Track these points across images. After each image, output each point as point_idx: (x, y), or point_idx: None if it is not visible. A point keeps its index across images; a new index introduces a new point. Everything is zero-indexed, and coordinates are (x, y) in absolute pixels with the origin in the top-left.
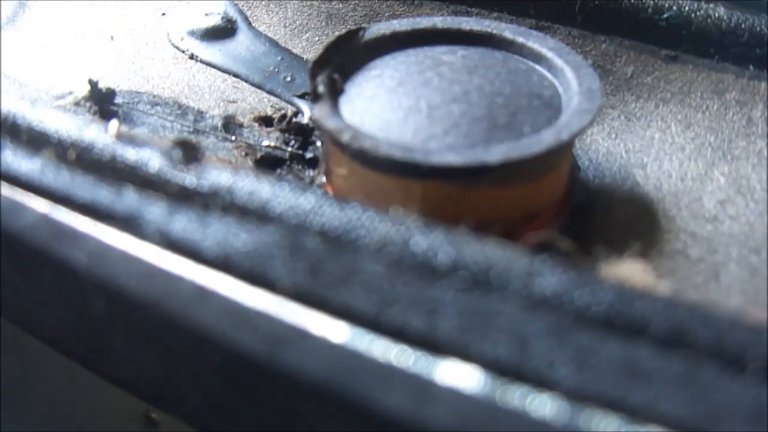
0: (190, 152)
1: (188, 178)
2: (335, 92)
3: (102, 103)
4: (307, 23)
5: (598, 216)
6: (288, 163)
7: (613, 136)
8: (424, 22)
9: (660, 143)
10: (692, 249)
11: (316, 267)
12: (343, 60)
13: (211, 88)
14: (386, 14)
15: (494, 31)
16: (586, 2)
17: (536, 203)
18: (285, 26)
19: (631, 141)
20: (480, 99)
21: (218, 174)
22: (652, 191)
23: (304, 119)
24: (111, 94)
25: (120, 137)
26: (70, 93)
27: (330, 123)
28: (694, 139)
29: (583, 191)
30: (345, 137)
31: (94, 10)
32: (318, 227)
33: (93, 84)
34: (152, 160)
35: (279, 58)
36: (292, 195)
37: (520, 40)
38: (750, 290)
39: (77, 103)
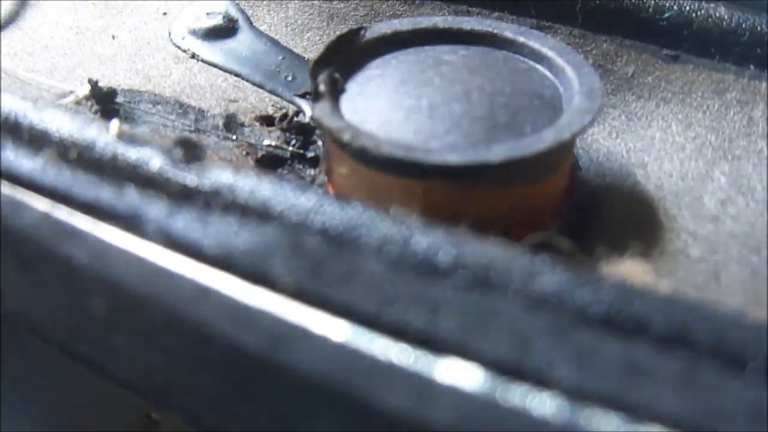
0: (191, 151)
1: (189, 177)
2: (336, 92)
3: (103, 102)
4: (308, 23)
5: (598, 215)
6: (289, 162)
7: (614, 135)
8: (425, 21)
9: (661, 143)
10: (693, 248)
11: (316, 266)
12: (345, 59)
13: (213, 88)
14: (387, 14)
15: (495, 31)
16: (587, 2)
17: (537, 202)
18: (286, 26)
19: (631, 140)
20: (481, 98)
21: (219, 173)
22: (653, 191)
23: (306, 119)
24: (112, 93)
25: (121, 136)
26: (71, 92)
27: (331, 122)
28: (695, 138)
29: (584, 191)
30: (346, 136)
31: (96, 9)
32: (319, 226)
33: (93, 83)
34: (153, 159)
35: (280, 57)
36: (292, 194)
37: (521, 39)
38: (750, 290)
39: (78, 103)
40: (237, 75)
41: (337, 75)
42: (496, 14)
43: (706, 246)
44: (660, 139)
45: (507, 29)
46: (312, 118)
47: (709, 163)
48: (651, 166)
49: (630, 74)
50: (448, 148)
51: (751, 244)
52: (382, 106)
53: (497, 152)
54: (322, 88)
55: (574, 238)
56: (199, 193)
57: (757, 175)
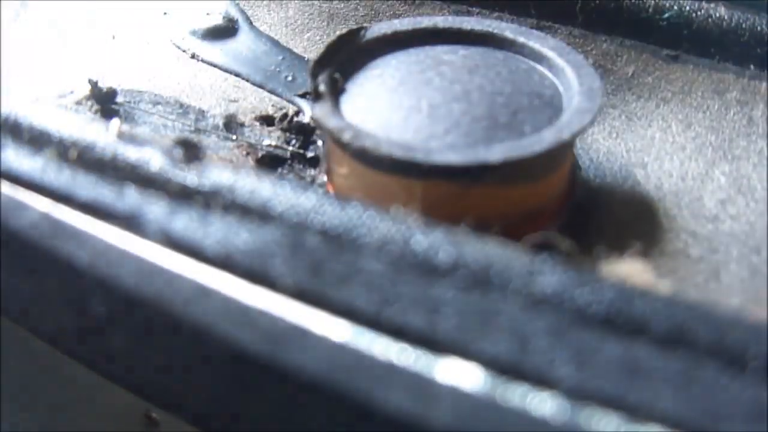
0: (191, 151)
1: (189, 177)
2: (336, 91)
3: (103, 102)
4: (308, 23)
5: (598, 215)
6: (289, 162)
7: (614, 135)
8: (425, 21)
9: (661, 143)
10: (693, 248)
11: (316, 266)
12: (345, 59)
13: (213, 88)
14: (387, 14)
15: (495, 31)
16: (587, 2)
17: (537, 202)
18: (286, 26)
19: (631, 140)
20: (481, 98)
21: (219, 173)
22: (652, 190)
23: (305, 119)
24: (112, 93)
25: (121, 136)
26: (71, 92)
27: (331, 122)
28: (695, 138)
29: (584, 190)
30: (346, 136)
31: (96, 9)
32: (319, 226)
33: (93, 84)
34: (153, 159)
35: (280, 57)
36: (293, 194)
37: (521, 39)
38: (750, 289)
39: (78, 102)
40: (237, 75)
41: (337, 75)
42: (496, 14)
43: (706, 246)
44: (660, 139)
45: (507, 29)
46: (312, 118)
47: (709, 163)
48: (651, 165)
49: (630, 74)
50: (447, 148)
51: (751, 244)
52: (382, 106)
53: (497, 152)
54: (322, 88)
55: (575, 238)
56: (199, 193)
57: (757, 174)
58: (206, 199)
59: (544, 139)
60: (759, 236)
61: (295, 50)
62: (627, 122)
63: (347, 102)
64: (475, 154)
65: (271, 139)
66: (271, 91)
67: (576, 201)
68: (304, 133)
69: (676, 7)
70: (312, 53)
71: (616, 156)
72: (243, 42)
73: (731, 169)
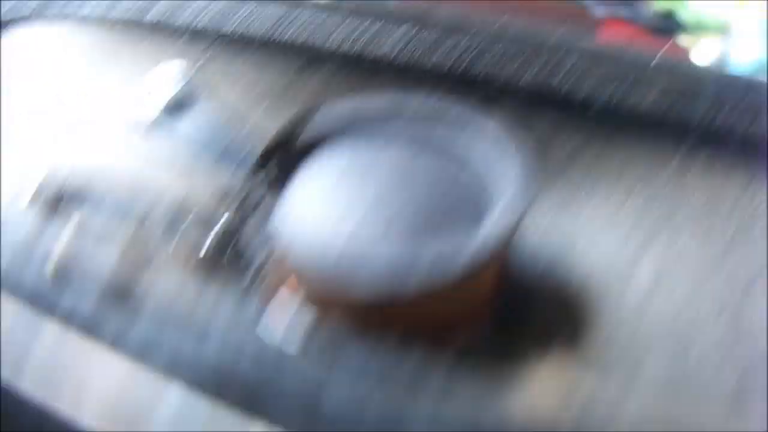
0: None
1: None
2: (276, 193)
3: (51, 206)
4: (261, 98)
5: (527, 309)
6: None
7: (548, 218)
8: (364, 108)
9: (592, 226)
10: (616, 340)
11: None
12: (286, 156)
13: (166, 166)
14: (340, 89)
15: (432, 117)
16: (524, 84)
17: (468, 303)
18: (242, 100)
19: (565, 224)
20: (412, 200)
21: None
22: (582, 278)
23: (258, 197)
24: (59, 196)
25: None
26: (22, 195)
27: (271, 239)
28: (626, 221)
29: (516, 280)
30: (284, 258)
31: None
32: None
33: (40, 189)
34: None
35: (234, 133)
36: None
37: (458, 128)
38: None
39: (28, 205)
40: (191, 152)
41: (277, 175)
42: (436, 95)
43: (628, 341)
44: (591, 222)
45: (444, 113)
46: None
47: (640, 247)
48: (582, 249)
49: (566, 155)
50: (375, 260)
51: (677, 338)
52: (316, 208)
53: (414, 278)
54: (261, 192)
55: (505, 333)
56: None
57: (686, 256)
58: None
59: (467, 253)
60: (684, 329)
61: (249, 126)
62: (561, 205)
63: (287, 202)
64: (395, 280)
65: (223, 218)
66: (225, 169)
67: (508, 292)
68: (257, 209)
69: (611, 88)
70: (267, 128)
71: (549, 241)
72: (197, 118)
73: (661, 253)
